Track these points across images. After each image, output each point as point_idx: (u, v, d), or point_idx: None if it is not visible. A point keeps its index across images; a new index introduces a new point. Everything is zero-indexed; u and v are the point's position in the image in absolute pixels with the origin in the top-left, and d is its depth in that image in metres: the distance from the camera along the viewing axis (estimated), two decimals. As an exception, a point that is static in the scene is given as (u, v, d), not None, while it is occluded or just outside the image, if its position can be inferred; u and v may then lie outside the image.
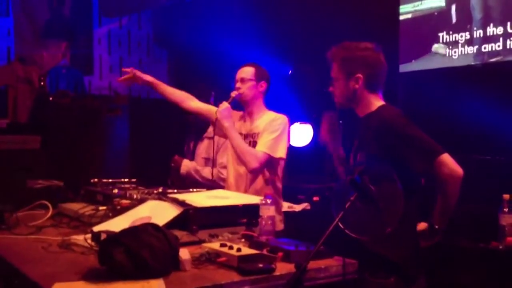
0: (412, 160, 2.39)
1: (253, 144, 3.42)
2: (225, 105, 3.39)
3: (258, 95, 3.51)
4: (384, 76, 2.63)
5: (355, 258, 2.16)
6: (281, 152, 3.36)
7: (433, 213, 2.46)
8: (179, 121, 3.57)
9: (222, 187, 3.58)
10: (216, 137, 3.64)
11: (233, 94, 3.45)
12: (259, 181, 3.39)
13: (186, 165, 4.03)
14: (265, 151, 3.31)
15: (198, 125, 4.04)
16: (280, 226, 3.38)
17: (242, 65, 3.57)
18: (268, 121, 3.43)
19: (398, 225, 2.41)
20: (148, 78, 3.62)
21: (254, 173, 3.35)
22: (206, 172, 3.93)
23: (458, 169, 2.36)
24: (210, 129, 3.76)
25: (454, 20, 4.48)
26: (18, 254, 2.27)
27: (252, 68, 3.51)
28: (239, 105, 3.54)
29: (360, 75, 2.56)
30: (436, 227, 2.45)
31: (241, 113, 3.60)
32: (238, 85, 3.48)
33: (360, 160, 2.52)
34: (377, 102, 2.61)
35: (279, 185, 3.47)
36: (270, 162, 3.35)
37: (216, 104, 3.59)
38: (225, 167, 3.72)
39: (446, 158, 2.37)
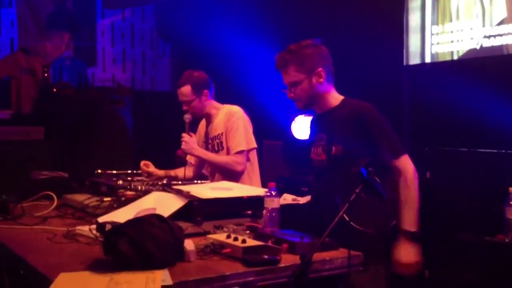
0: (382, 150, 2.44)
1: (219, 145, 3.54)
2: (185, 138, 3.41)
3: (206, 104, 3.58)
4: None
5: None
6: (253, 142, 3.51)
7: (401, 220, 2.43)
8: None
9: None
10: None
11: (186, 119, 3.50)
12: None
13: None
14: (242, 149, 3.44)
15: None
16: None
17: (178, 84, 3.58)
18: (225, 119, 3.52)
19: None
20: (160, 173, 3.61)
21: (242, 172, 3.46)
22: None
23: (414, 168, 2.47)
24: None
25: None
26: (24, 244, 2.27)
27: (187, 86, 3.53)
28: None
29: (321, 69, 2.58)
30: (413, 230, 2.41)
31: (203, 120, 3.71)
32: (184, 107, 3.55)
33: (340, 152, 2.51)
34: (338, 96, 2.65)
35: (256, 172, 3.57)
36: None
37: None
38: None
39: (408, 157, 2.48)
